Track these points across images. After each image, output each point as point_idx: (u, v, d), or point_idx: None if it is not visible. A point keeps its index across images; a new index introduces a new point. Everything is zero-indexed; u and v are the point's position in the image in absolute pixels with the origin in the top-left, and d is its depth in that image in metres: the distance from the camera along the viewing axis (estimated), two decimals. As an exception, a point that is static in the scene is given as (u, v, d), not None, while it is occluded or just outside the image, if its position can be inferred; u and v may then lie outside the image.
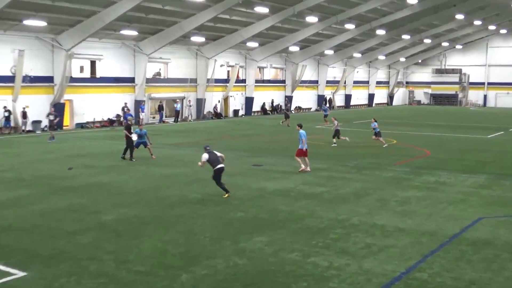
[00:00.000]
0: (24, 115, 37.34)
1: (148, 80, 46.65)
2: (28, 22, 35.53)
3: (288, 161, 24.57)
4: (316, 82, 70.48)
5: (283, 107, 46.87)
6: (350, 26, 56.62)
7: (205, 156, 16.84)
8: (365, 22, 58.03)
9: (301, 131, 21.62)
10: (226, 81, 55.53)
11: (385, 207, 15.90)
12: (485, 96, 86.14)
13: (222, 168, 16.89)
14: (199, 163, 17.05)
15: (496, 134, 36.03)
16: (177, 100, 50.03)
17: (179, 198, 16.64)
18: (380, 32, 62.42)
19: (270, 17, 47.45)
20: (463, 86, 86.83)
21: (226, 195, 16.80)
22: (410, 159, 25.72)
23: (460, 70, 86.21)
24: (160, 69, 50.47)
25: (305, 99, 68.48)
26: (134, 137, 24.33)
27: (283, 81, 64.89)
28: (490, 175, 21.72)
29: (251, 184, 19.15)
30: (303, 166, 21.58)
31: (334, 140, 30.42)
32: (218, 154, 17.17)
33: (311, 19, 50.04)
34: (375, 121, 30.44)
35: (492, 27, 75.81)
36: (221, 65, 54.23)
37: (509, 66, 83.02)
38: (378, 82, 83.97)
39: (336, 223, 14.05)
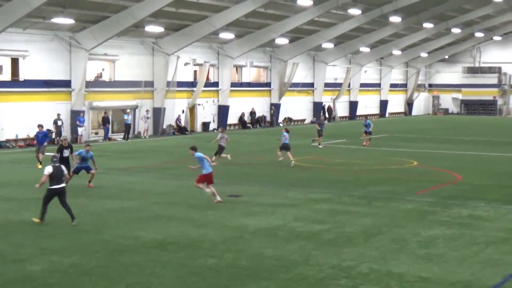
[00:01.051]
0: None
1: (88, 84, 46.54)
2: None
3: (274, 189, 24.57)
4: (312, 85, 70.89)
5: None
6: (355, 11, 57.07)
7: (49, 169, 17.89)
8: (375, 6, 58.56)
9: (197, 153, 21.94)
10: (193, 84, 55.64)
11: (403, 250, 15.93)
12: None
13: (61, 190, 17.99)
14: (36, 185, 18.81)
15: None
16: (128, 110, 49.95)
17: (131, 241, 16.53)
18: (395, 19, 63.00)
19: None
20: (504, 89, 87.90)
21: (37, 220, 18.08)
22: (435, 186, 25.85)
23: (499, 68, 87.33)
24: (103, 69, 50.43)
25: (297, 107, 68.80)
26: (76, 159, 24.49)
27: (268, 84, 65.17)
28: (540, 206, 21.96)
29: (226, 221, 19.09)
30: (208, 193, 21.84)
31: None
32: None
33: (304, 2, 50.32)
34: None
35: (541, 12, 76.95)
36: (186, 64, 54.31)
37: None
38: (392, 85, 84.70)
39: (340, 272, 14.01)
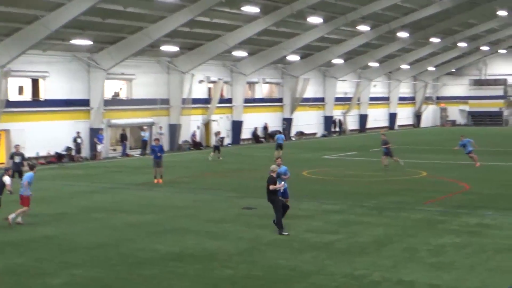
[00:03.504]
0: None
1: (106, 103, 46.79)
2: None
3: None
4: (322, 100, 70.93)
5: (220, 137, 45.23)
6: (364, 28, 57.19)
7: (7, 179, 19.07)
8: (383, 22, 58.65)
9: (29, 173, 21.03)
10: (207, 101, 55.78)
11: (414, 258, 15.91)
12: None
13: None
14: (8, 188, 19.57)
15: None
16: (145, 127, 50.12)
17: (149, 254, 16.58)
18: (402, 34, 63.07)
19: (261, 18, 47.91)
20: (509, 101, 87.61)
21: None
22: (444, 196, 25.79)
23: (505, 80, 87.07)
24: (121, 88, 50.67)
25: (308, 122, 68.81)
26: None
27: (280, 100, 65.25)
28: (547, 214, 21.86)
29: (241, 232, 19.13)
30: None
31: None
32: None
33: (314, 20, 50.54)
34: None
35: (544, 25, 76.78)
36: (200, 81, 54.49)
37: None
38: (401, 99, 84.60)
39: (352, 281, 14.02)
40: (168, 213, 22.39)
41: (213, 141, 55.70)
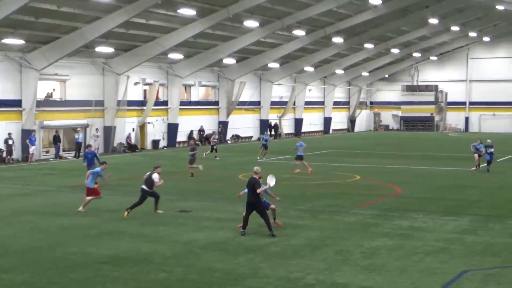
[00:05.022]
0: None
1: (39, 104, 45.89)
2: None
3: (223, 205, 24.61)
4: (258, 103, 71.22)
5: (215, 137, 47.49)
6: (299, 32, 57.73)
7: None
8: (318, 27, 59.34)
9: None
10: (143, 103, 55.33)
11: (348, 261, 16.11)
12: (466, 119, 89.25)
13: None
14: None
15: (483, 165, 37.29)
16: (78, 129, 49.34)
17: (83, 257, 16.33)
18: (337, 40, 63.94)
19: (198, 21, 47.86)
20: (440, 106, 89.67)
21: None
22: (377, 199, 26.20)
23: (436, 86, 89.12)
24: (54, 89, 49.80)
25: (244, 125, 68.97)
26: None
27: (216, 103, 65.23)
28: (476, 217, 22.44)
29: (176, 235, 19.04)
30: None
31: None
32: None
33: (251, 23, 50.78)
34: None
35: (473, 34, 79.06)
36: (136, 83, 54.04)
37: (495, 82, 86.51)
38: (336, 103, 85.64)
39: (287, 284, 14.09)
40: (103, 216, 22.11)
41: (149, 144, 55.53)
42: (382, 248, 17.48)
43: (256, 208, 18.99)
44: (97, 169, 24.03)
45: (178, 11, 44.11)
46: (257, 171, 19.63)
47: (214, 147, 46.04)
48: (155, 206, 22.58)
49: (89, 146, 32.90)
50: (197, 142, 51.56)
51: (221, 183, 31.72)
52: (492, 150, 36.78)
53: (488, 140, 37.81)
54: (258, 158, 43.33)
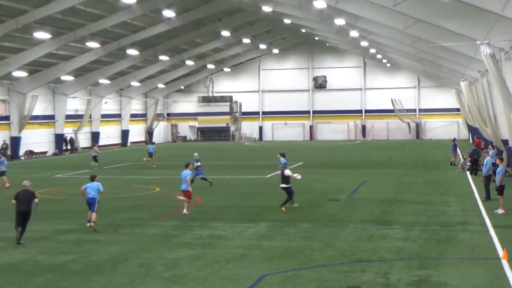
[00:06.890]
0: None
1: None
2: None
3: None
4: (53, 117, 68.96)
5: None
6: (93, 44, 56.79)
7: None
8: (113, 39, 58.77)
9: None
10: None
11: (150, 273, 16.09)
12: (260, 128, 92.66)
13: None
14: None
15: (276, 173, 38.78)
16: None
17: None
18: (132, 52, 63.65)
19: (-16, 32, 45.59)
20: (235, 117, 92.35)
21: None
22: (178, 210, 26.36)
23: (231, 97, 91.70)
24: None
25: (38, 140, 66.47)
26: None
27: (7, 118, 62.26)
28: (272, 222, 23.35)
29: (-33, 260, 17.96)
30: None
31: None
32: None
33: (41, 35, 49.12)
34: None
35: (263, 46, 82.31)
36: None
37: (285, 92, 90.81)
38: (133, 115, 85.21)
39: (89, 301, 13.81)
40: None
41: None
42: (184, 258, 17.65)
43: (27, 217, 20.18)
44: None
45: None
46: (26, 184, 20.80)
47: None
48: None
49: None
50: None
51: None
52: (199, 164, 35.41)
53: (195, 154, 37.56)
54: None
